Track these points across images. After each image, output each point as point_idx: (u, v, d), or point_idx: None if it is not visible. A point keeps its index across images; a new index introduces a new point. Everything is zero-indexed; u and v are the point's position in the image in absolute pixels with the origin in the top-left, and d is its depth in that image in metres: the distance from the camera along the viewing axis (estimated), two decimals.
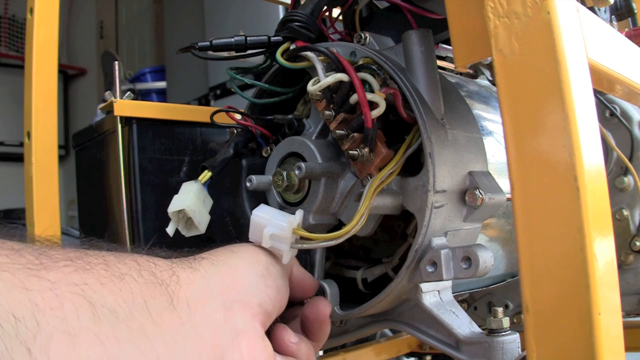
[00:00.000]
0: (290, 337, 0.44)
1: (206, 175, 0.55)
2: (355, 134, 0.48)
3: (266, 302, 0.42)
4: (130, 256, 0.37)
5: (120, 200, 0.68)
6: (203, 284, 0.39)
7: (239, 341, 0.38)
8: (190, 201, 0.52)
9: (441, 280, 0.47)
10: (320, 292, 0.53)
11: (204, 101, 2.46)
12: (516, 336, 0.48)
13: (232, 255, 0.43)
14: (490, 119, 0.58)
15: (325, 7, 0.58)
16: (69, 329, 0.29)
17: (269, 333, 0.44)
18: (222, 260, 0.42)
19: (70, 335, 0.29)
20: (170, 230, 0.52)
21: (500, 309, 0.49)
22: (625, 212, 0.79)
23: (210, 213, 0.55)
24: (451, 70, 0.68)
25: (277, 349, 0.43)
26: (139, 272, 0.35)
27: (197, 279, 0.39)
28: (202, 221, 0.53)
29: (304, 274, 0.50)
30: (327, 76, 0.49)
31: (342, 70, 0.49)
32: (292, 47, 0.54)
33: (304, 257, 0.54)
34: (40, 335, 0.28)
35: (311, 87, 0.50)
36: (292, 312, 0.50)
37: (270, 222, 0.46)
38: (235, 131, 0.60)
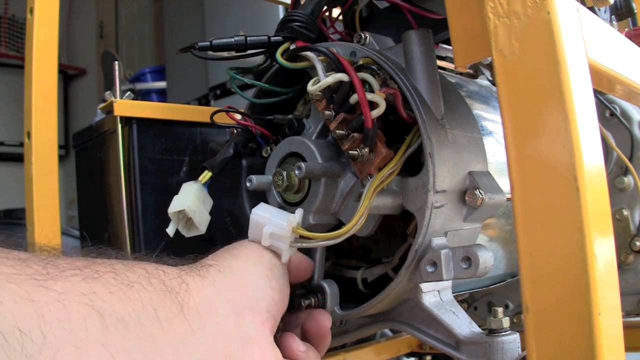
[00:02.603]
0: (299, 345, 0.45)
1: (206, 175, 0.55)
2: (355, 134, 0.48)
3: (272, 306, 0.42)
4: (138, 264, 0.36)
5: (120, 200, 0.68)
6: (212, 291, 0.39)
7: (251, 348, 0.38)
8: (190, 201, 0.52)
9: (441, 280, 0.47)
10: (320, 292, 0.53)
11: (204, 101, 2.46)
12: (516, 336, 0.48)
13: (236, 259, 0.43)
14: (490, 119, 0.58)
15: (325, 7, 0.58)
16: (76, 341, 0.29)
17: (277, 341, 0.44)
18: (228, 266, 0.42)
19: (77, 347, 0.29)
20: (170, 230, 0.52)
21: (500, 309, 0.49)
22: (625, 212, 0.79)
23: (210, 213, 0.55)
24: (451, 70, 0.68)
25: (286, 357, 0.43)
26: (148, 280, 0.35)
27: (206, 286, 0.39)
28: (202, 221, 0.53)
29: (300, 257, 0.50)
30: (327, 76, 0.49)
31: (342, 70, 0.49)
32: (292, 47, 0.54)
33: None
34: (46, 348, 0.28)
35: (311, 87, 0.50)
36: (293, 320, 0.50)
37: (270, 221, 0.46)
38: (235, 131, 0.60)
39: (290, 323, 0.50)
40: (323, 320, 0.48)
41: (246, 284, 0.41)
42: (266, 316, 0.41)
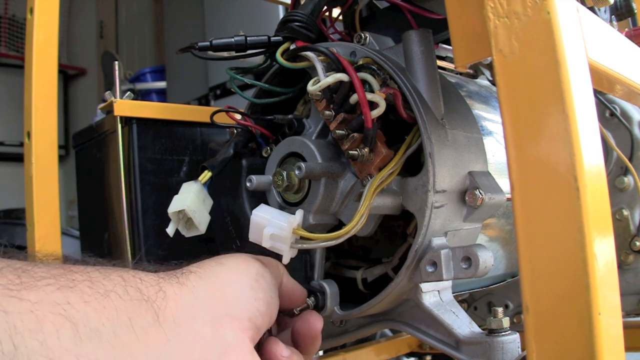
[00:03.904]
0: (282, 350, 0.44)
1: (206, 175, 0.55)
2: (355, 134, 0.48)
3: (255, 316, 0.41)
4: (116, 272, 0.36)
5: (120, 200, 0.68)
6: (191, 298, 0.38)
7: (228, 356, 0.38)
8: (190, 201, 0.52)
9: (441, 280, 0.47)
10: (320, 292, 0.53)
11: (204, 101, 2.46)
12: (516, 336, 0.48)
13: (221, 267, 0.43)
14: (490, 119, 0.58)
15: (325, 7, 0.58)
16: (47, 352, 0.29)
17: (260, 346, 0.43)
18: (211, 273, 0.41)
19: (49, 358, 0.29)
20: (170, 230, 0.53)
21: (500, 309, 0.49)
22: (625, 212, 0.79)
23: (210, 213, 0.55)
24: (451, 70, 0.68)
25: None
26: (124, 289, 0.35)
27: (185, 293, 0.38)
28: (202, 221, 0.53)
29: (293, 283, 0.49)
30: (327, 76, 0.49)
31: (342, 70, 0.49)
32: (292, 47, 0.54)
33: (304, 257, 0.54)
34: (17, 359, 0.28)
35: (311, 87, 0.50)
36: (282, 323, 0.49)
37: (270, 222, 0.46)
38: (235, 131, 0.60)
39: (280, 324, 0.49)
40: (314, 322, 0.47)
41: (228, 291, 0.41)
42: (247, 325, 0.40)
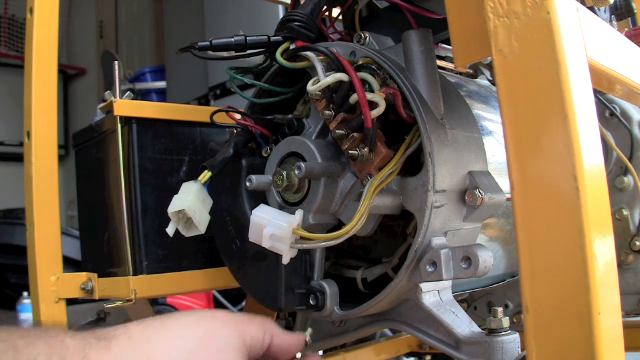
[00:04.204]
0: None
1: (206, 175, 0.55)
2: (355, 134, 0.48)
3: None
4: (43, 338, 0.35)
5: (120, 200, 0.68)
6: None
7: None
8: (191, 201, 0.52)
9: (441, 280, 0.47)
10: (320, 292, 0.53)
11: (204, 101, 2.46)
12: (516, 336, 0.48)
13: (161, 328, 0.40)
14: (490, 119, 0.58)
15: (325, 7, 0.58)
16: None
17: None
18: (145, 336, 0.39)
19: None
20: (170, 230, 0.53)
21: (500, 309, 0.49)
22: (625, 212, 0.79)
23: (210, 213, 0.55)
24: (451, 70, 0.68)
25: None
26: (48, 358, 0.34)
27: None
28: (202, 221, 0.53)
29: (285, 337, 0.46)
30: (327, 76, 0.49)
31: (342, 70, 0.49)
32: (292, 47, 0.54)
33: (304, 257, 0.54)
34: None
35: (311, 87, 0.50)
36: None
37: (270, 223, 0.46)
38: (235, 131, 0.60)
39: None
40: None
41: (157, 357, 0.38)
42: None
